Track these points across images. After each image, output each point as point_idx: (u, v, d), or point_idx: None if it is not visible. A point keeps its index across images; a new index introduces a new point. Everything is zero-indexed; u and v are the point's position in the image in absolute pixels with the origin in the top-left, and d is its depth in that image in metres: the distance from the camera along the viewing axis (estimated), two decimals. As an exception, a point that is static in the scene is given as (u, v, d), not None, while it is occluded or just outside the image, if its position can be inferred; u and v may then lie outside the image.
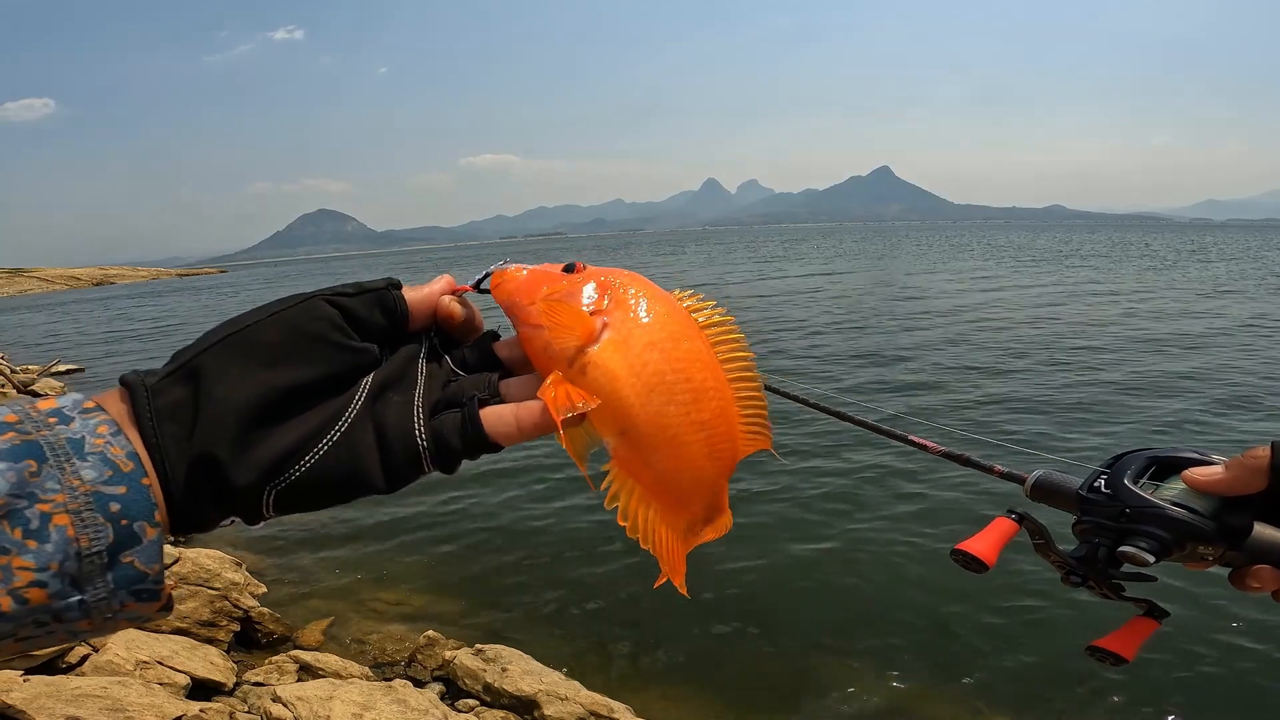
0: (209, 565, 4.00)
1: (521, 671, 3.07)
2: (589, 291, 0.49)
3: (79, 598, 0.34)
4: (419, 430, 0.44)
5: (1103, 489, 0.58)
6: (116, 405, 0.39)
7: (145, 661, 2.99)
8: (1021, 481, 0.68)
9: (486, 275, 0.52)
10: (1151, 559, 0.54)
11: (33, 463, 0.34)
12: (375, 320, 0.46)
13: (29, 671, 2.82)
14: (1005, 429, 6.57)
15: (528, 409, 0.45)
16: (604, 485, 0.46)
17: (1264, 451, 0.50)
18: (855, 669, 3.35)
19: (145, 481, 0.36)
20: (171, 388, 0.40)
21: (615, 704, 2.96)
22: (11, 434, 0.34)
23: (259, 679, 3.14)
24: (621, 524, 0.46)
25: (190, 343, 0.43)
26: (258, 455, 0.40)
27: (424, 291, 0.49)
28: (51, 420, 0.36)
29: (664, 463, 0.47)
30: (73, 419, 0.37)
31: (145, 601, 0.37)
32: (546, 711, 2.87)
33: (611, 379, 0.45)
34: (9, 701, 2.57)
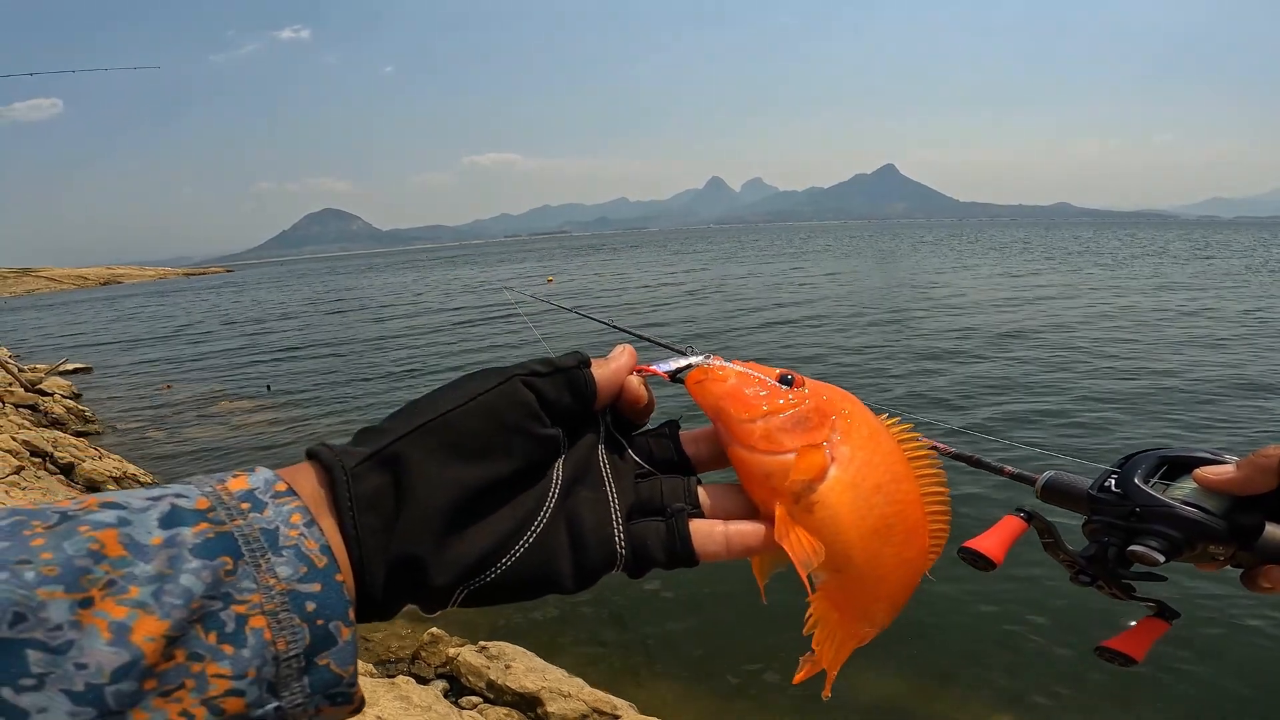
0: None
1: (525, 669, 3.07)
2: (814, 418, 0.46)
3: (275, 704, 0.31)
4: (619, 538, 0.42)
5: (1113, 488, 0.57)
6: (310, 486, 0.36)
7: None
8: (1032, 483, 0.68)
9: (686, 368, 0.48)
10: (1161, 558, 0.53)
11: (228, 559, 0.30)
12: (564, 402, 0.43)
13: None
14: (1019, 429, 6.54)
15: (740, 533, 0.44)
16: (807, 614, 0.46)
17: (1275, 450, 0.49)
18: (861, 667, 3.33)
19: (339, 578, 0.33)
20: (370, 474, 0.37)
21: (618, 701, 2.96)
22: (205, 525, 0.31)
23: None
24: (814, 649, 0.47)
25: (383, 422, 0.40)
26: (457, 555, 0.38)
27: (610, 369, 0.45)
28: (244, 506, 0.33)
29: (868, 597, 0.47)
30: (266, 505, 0.33)
31: (339, 705, 0.34)
32: (549, 708, 2.88)
33: (838, 521, 0.44)
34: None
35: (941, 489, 0.49)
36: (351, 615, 0.34)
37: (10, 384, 9.65)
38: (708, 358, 0.49)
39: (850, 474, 0.45)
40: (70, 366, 13.12)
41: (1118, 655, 0.57)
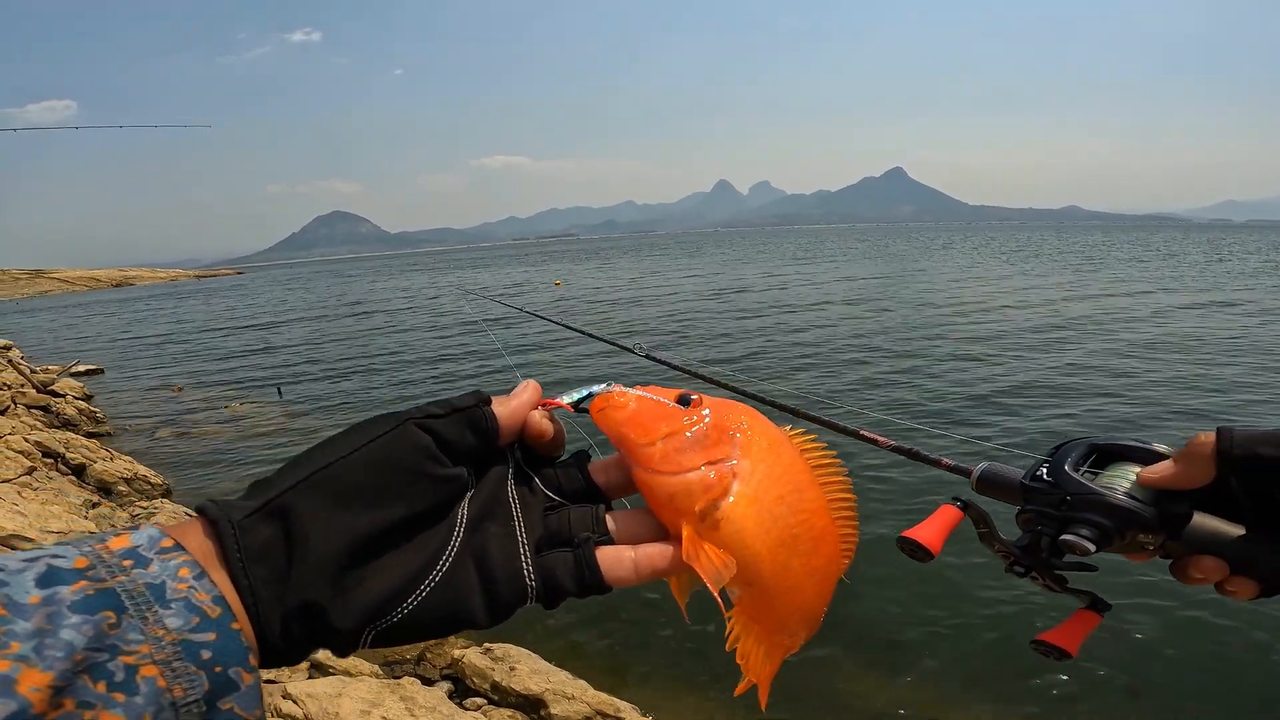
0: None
1: (529, 670, 3.08)
2: (713, 435, 0.46)
3: None
4: (527, 571, 0.42)
5: (1044, 477, 0.57)
6: (198, 540, 0.37)
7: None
8: (968, 474, 0.68)
9: (588, 396, 0.49)
10: (1093, 547, 0.53)
11: (111, 614, 0.31)
12: (466, 442, 0.43)
13: (47, 666, 2.88)
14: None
15: (648, 556, 0.44)
16: (727, 630, 0.47)
17: (1208, 438, 0.49)
18: (861, 669, 3.34)
19: (235, 626, 0.34)
20: (258, 526, 0.37)
21: (622, 703, 2.97)
22: (84, 583, 0.32)
23: (269, 676, 3.18)
24: (739, 663, 0.47)
25: (273, 473, 0.40)
26: (359, 599, 0.38)
27: (512, 405, 0.46)
28: (126, 563, 0.34)
29: (783, 608, 0.48)
30: (150, 561, 0.34)
31: None
32: (553, 710, 2.89)
33: (744, 535, 0.45)
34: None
35: (848, 495, 0.50)
36: (253, 661, 0.35)
37: (23, 385, 9.76)
38: (609, 385, 0.50)
39: (752, 488, 0.45)
40: (82, 368, 13.26)
41: (1053, 649, 0.57)
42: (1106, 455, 0.58)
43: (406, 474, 0.41)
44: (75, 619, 0.30)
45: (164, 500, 5.86)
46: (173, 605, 0.33)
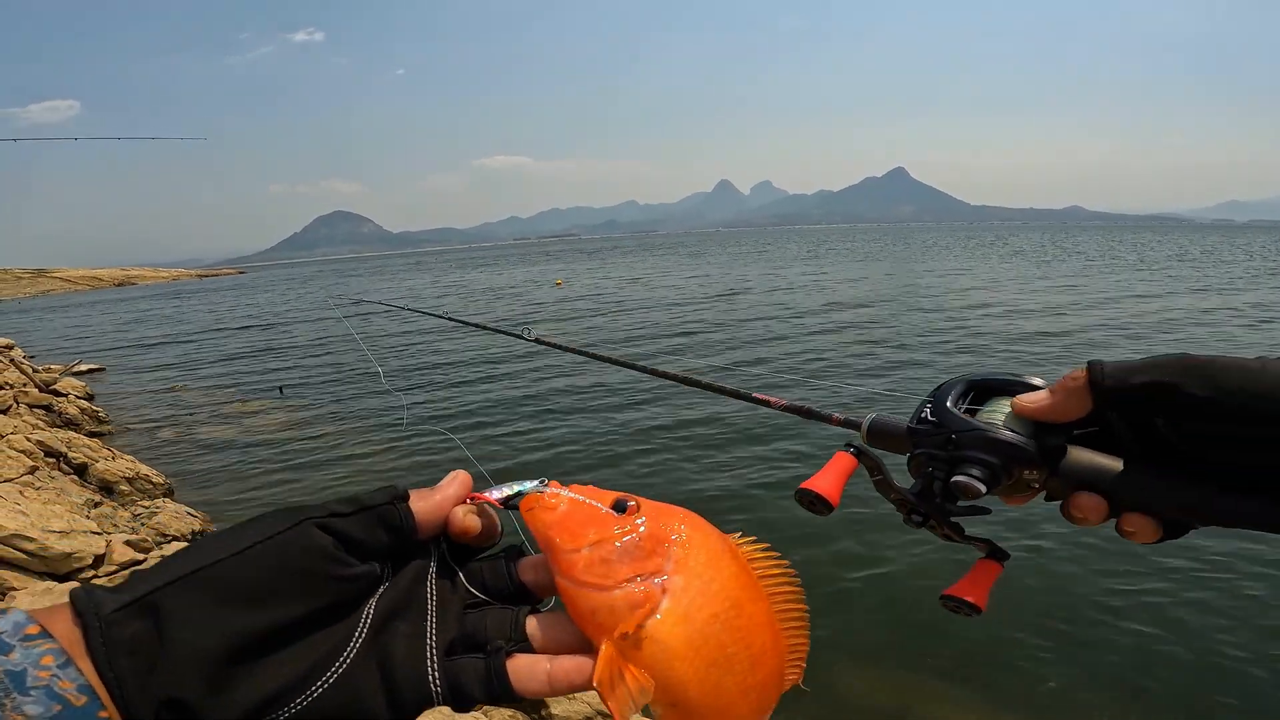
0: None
1: (530, 671, 3.08)
2: (643, 547, 0.43)
3: None
4: (432, 675, 0.40)
5: (929, 417, 0.56)
6: (65, 628, 0.35)
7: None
8: (858, 427, 0.66)
9: (518, 495, 0.47)
10: (984, 488, 0.51)
11: None
12: (378, 539, 0.42)
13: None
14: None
15: (562, 670, 0.42)
16: None
17: (1081, 373, 0.48)
18: (863, 670, 3.34)
19: (103, 715, 0.33)
20: (129, 620, 0.36)
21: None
22: None
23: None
24: None
25: (152, 567, 0.38)
26: (239, 698, 0.36)
27: (435, 499, 0.44)
28: None
29: None
30: (12, 648, 0.33)
31: None
32: (553, 710, 2.89)
33: (669, 657, 0.41)
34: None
35: (799, 606, 0.47)
36: None
37: (25, 384, 9.78)
38: (543, 483, 0.47)
39: (684, 605, 0.42)
40: (84, 367, 13.28)
41: (962, 603, 0.55)
42: (985, 391, 0.56)
43: (301, 575, 0.39)
44: None
45: (166, 500, 5.86)
46: (32, 693, 0.32)
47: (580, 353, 1.68)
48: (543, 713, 2.92)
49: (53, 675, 0.33)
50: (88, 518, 4.62)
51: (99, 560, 3.78)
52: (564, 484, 0.47)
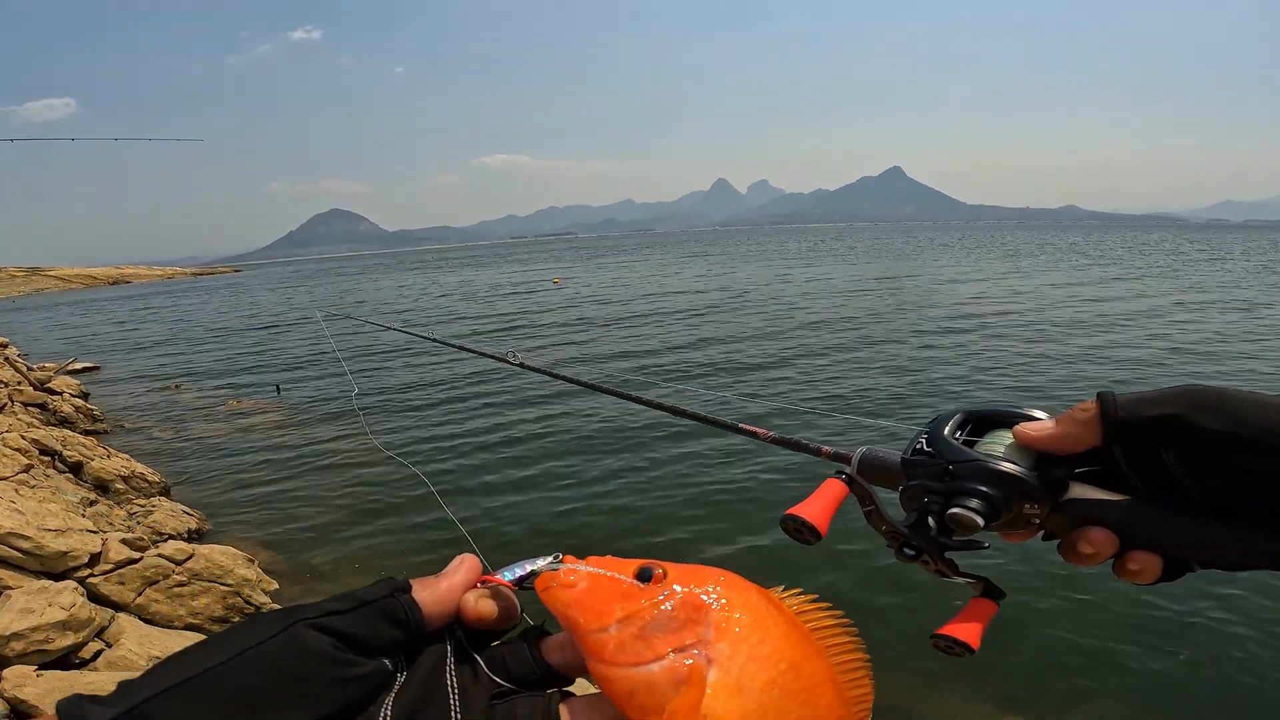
0: (222, 561, 4.03)
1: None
2: (678, 616, 0.39)
3: None
4: None
5: (924, 448, 0.53)
6: None
7: (158, 657, 3.01)
8: (848, 460, 0.63)
9: (531, 575, 0.43)
10: (982, 521, 0.49)
11: None
12: (382, 634, 0.39)
13: (42, 667, 2.85)
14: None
15: None
16: None
17: (1092, 405, 0.47)
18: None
19: None
20: None
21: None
22: None
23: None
24: None
25: (139, 676, 0.36)
26: None
27: (441, 588, 0.41)
28: None
29: None
30: None
31: None
32: (556, 711, 2.87)
33: None
34: (22, 697, 2.60)
35: (858, 655, 0.43)
36: None
37: (19, 382, 9.71)
38: (556, 559, 0.44)
39: (734, 675, 0.38)
40: (78, 365, 13.21)
41: (954, 643, 0.52)
42: (983, 423, 0.54)
43: (301, 681, 0.36)
44: None
45: (161, 498, 5.82)
46: None
47: (570, 380, 1.71)
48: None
49: None
50: (83, 516, 4.58)
51: (95, 559, 3.75)
52: (580, 557, 0.44)
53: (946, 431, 0.53)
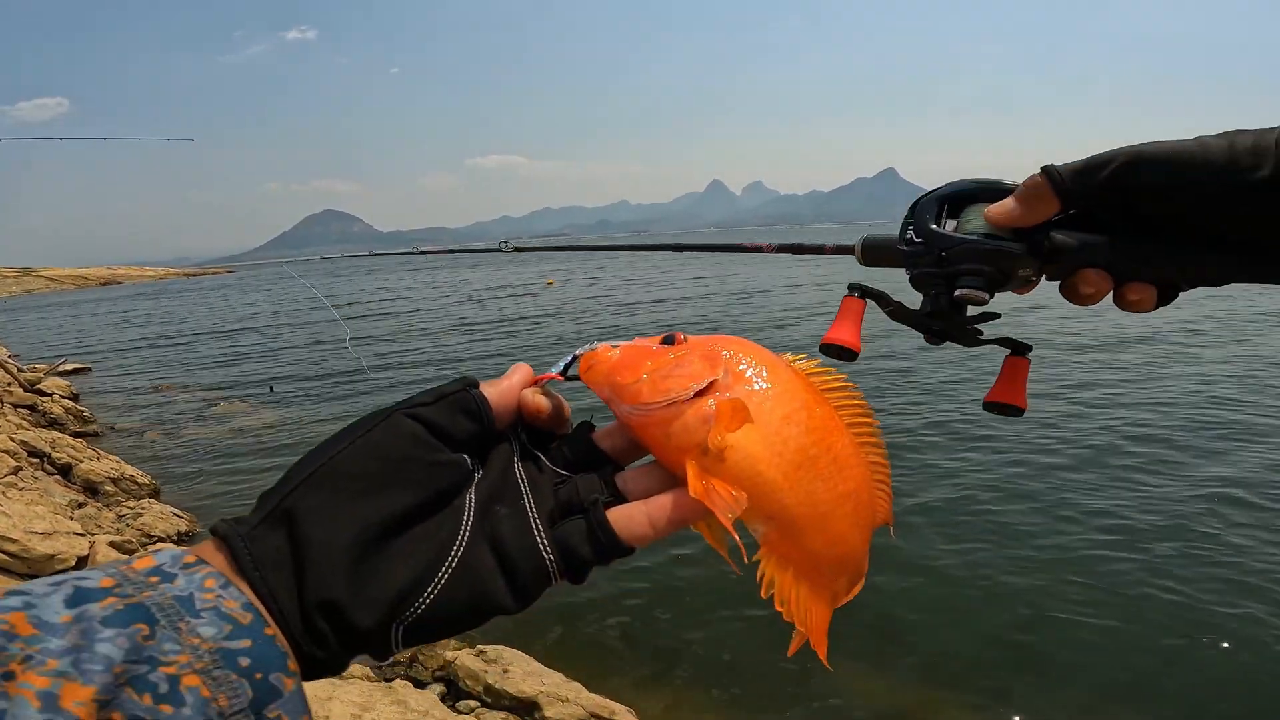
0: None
1: (523, 673, 3.05)
2: (699, 361, 0.44)
3: None
4: (542, 544, 0.42)
5: (914, 239, 0.57)
6: (215, 556, 0.37)
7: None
8: (853, 251, 0.68)
9: (574, 360, 0.48)
10: (986, 295, 0.54)
11: (143, 626, 0.31)
12: (460, 427, 0.43)
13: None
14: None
15: (660, 506, 0.43)
16: (758, 575, 0.43)
17: (1039, 179, 0.50)
18: (861, 671, 3.32)
19: (269, 632, 0.34)
20: (267, 535, 0.38)
21: (617, 706, 2.94)
22: (112, 599, 0.32)
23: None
24: (779, 609, 0.44)
25: (274, 483, 0.40)
26: (375, 594, 0.38)
27: (503, 386, 0.46)
28: (153, 580, 0.34)
29: (815, 541, 0.44)
30: (175, 575, 0.34)
31: None
32: (548, 713, 2.85)
33: (754, 462, 0.42)
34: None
35: (868, 420, 0.47)
36: (292, 666, 0.35)
37: (9, 384, 9.64)
38: (593, 344, 0.48)
39: (752, 409, 0.43)
40: (69, 366, 13.11)
41: (1005, 407, 0.58)
42: (957, 201, 0.57)
43: (403, 463, 0.40)
44: (108, 633, 0.30)
45: (151, 500, 5.78)
46: (204, 615, 0.33)
47: (558, 249, 1.88)
48: (536, 715, 2.88)
49: (217, 596, 0.34)
50: (71, 519, 4.54)
51: (82, 561, 3.71)
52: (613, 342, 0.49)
53: (930, 222, 0.56)
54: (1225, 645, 3.38)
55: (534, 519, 0.43)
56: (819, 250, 0.78)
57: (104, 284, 76.69)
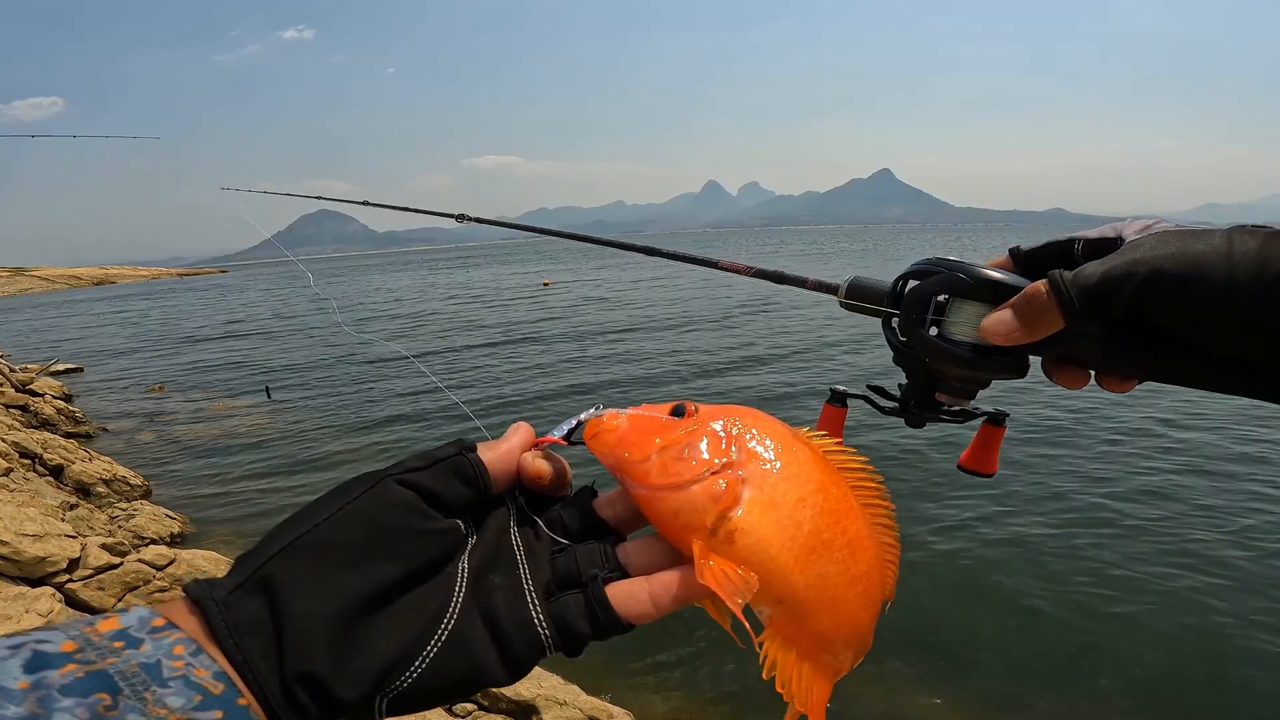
0: (204, 566, 3.96)
1: (520, 676, 3.02)
2: (712, 441, 0.43)
3: None
4: (538, 619, 0.40)
5: (899, 334, 0.55)
6: (186, 619, 0.35)
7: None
8: (835, 290, 0.64)
9: (579, 426, 0.46)
10: (967, 401, 0.54)
11: (105, 695, 0.30)
12: (455, 492, 0.42)
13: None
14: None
15: (663, 584, 0.42)
16: (760, 656, 0.42)
17: (1045, 295, 0.47)
18: (861, 673, 3.30)
19: (242, 702, 0.33)
20: (244, 601, 0.36)
21: (614, 709, 2.92)
22: (73, 665, 0.30)
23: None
24: (779, 691, 0.42)
25: (254, 546, 0.39)
26: (361, 666, 0.36)
27: (501, 449, 0.44)
28: (117, 645, 0.32)
29: (824, 624, 0.43)
30: (142, 640, 0.33)
31: None
32: (545, 717, 2.83)
33: (765, 546, 0.41)
34: None
35: (883, 502, 0.46)
36: None
37: (0, 384, 9.56)
38: (599, 409, 0.46)
39: (766, 491, 0.42)
40: (61, 367, 13.03)
41: (976, 474, 0.59)
42: (951, 292, 0.53)
43: (392, 532, 0.39)
44: (67, 702, 0.29)
45: (144, 501, 5.74)
46: (171, 684, 0.31)
47: (515, 226, 1.69)
48: (534, 719, 2.85)
49: (187, 664, 0.32)
50: (63, 520, 4.49)
51: (73, 564, 3.67)
52: (620, 408, 0.47)
53: (917, 321, 0.53)
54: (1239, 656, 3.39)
55: (530, 591, 0.41)
56: (801, 283, 0.73)
57: (97, 284, 76.30)
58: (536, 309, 19.35)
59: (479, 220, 1.73)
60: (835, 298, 0.64)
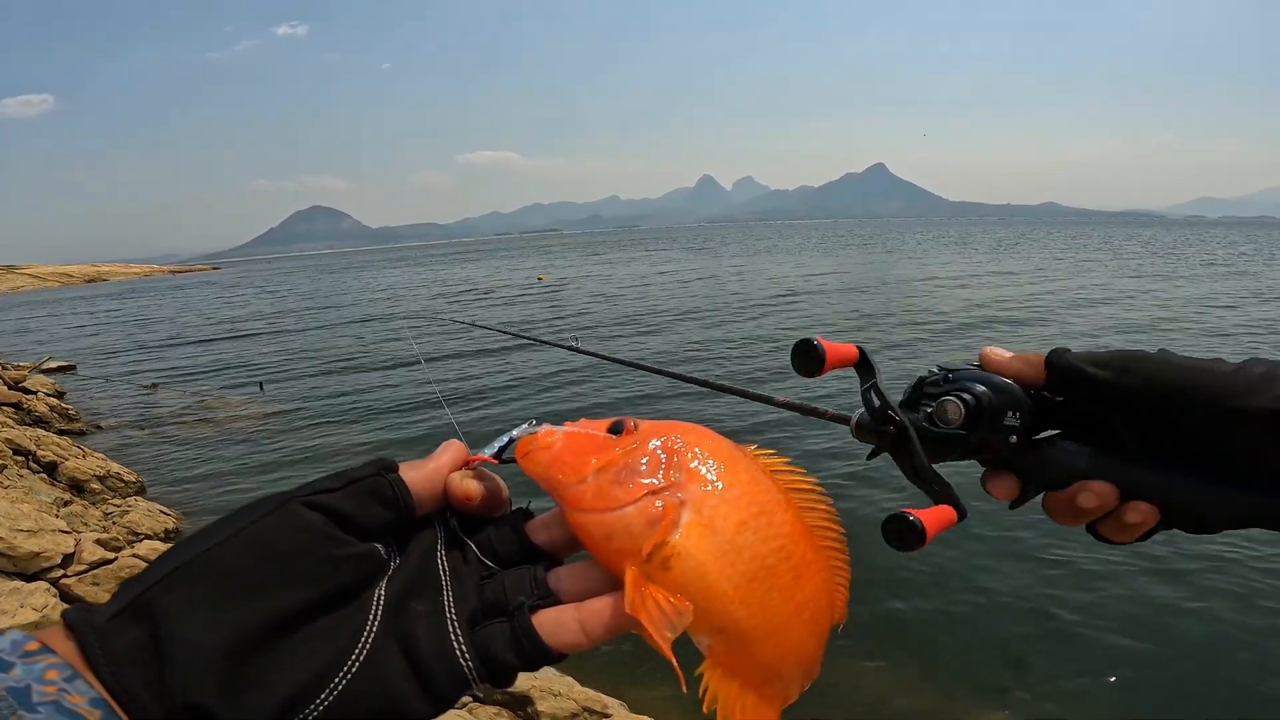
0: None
1: (515, 667, 3.04)
2: (651, 461, 0.40)
3: None
4: (459, 649, 0.38)
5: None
6: (64, 645, 0.33)
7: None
8: (848, 421, 0.65)
9: (510, 443, 0.44)
10: (964, 408, 0.53)
11: None
12: (373, 515, 0.39)
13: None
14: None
15: (594, 613, 0.39)
16: (700, 689, 0.40)
17: (1040, 356, 0.51)
18: (853, 664, 3.33)
19: None
20: (124, 629, 0.33)
21: (609, 700, 2.94)
22: None
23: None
24: None
25: (141, 571, 0.36)
26: (255, 701, 0.33)
27: (428, 469, 0.41)
28: None
29: (768, 654, 0.41)
30: (13, 664, 0.31)
31: None
32: (540, 707, 2.85)
33: (703, 572, 0.38)
34: None
35: (831, 524, 0.44)
36: None
37: (-7, 382, 9.51)
38: (534, 425, 0.44)
39: (706, 514, 0.39)
40: (54, 364, 12.95)
41: (906, 534, 0.53)
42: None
43: (296, 558, 0.36)
44: None
45: (138, 498, 5.73)
46: (41, 709, 0.29)
47: (627, 364, 1.58)
48: (529, 709, 2.87)
49: (60, 690, 0.30)
50: (57, 516, 4.49)
51: (67, 559, 3.67)
52: (556, 423, 0.44)
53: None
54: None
55: (452, 620, 0.38)
56: (822, 415, 0.76)
57: (89, 281, 75.83)
58: (545, 306, 19.30)
59: (589, 353, 1.61)
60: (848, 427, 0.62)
